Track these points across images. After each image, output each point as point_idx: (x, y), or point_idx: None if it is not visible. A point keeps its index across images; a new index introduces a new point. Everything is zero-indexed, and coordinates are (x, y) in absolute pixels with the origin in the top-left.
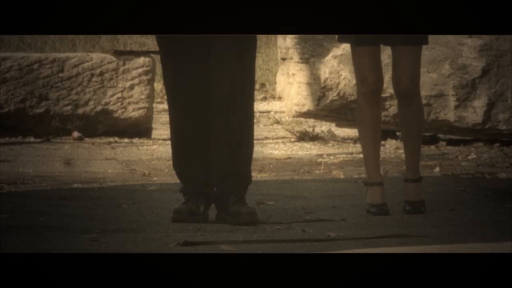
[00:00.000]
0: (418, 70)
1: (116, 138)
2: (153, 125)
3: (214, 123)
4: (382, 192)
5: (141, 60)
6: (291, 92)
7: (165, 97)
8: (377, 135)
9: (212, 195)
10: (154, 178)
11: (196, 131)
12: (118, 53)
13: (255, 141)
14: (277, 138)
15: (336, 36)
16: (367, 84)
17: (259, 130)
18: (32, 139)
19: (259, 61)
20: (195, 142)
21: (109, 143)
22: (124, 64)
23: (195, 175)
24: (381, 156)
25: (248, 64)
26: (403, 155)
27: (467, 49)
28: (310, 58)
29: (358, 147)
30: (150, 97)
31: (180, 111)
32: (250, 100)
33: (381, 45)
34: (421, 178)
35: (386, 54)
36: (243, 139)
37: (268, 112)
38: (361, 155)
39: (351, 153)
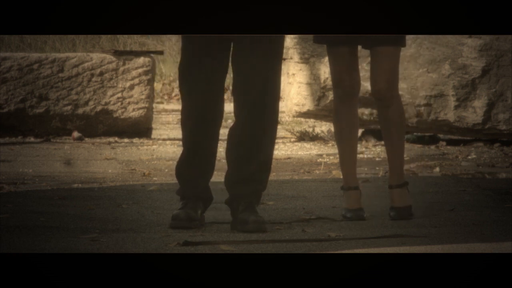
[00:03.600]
0: (396, 71)
1: (116, 138)
2: (153, 125)
3: (234, 127)
4: (359, 197)
5: (141, 60)
6: (291, 92)
7: (165, 97)
8: (354, 138)
9: (208, 199)
10: (154, 178)
11: (205, 136)
12: (118, 53)
13: None
14: (277, 138)
15: (312, 37)
16: (342, 87)
17: None
18: (32, 139)
19: None
20: (202, 147)
21: (109, 143)
22: (124, 64)
23: (196, 180)
24: (381, 156)
25: (274, 67)
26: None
27: (467, 49)
28: (310, 58)
29: (357, 147)
30: (150, 97)
31: (192, 113)
32: (276, 106)
33: (360, 48)
34: (406, 183)
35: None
36: (264, 145)
37: None
38: (361, 155)
39: None
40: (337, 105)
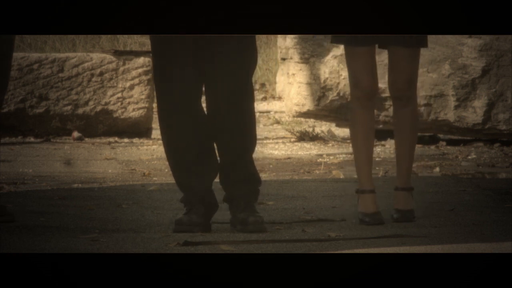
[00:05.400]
0: (415, 72)
1: (116, 138)
2: (153, 125)
3: (220, 127)
4: (375, 200)
5: (141, 60)
6: (291, 92)
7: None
8: (371, 140)
9: (214, 204)
10: (154, 178)
11: (193, 137)
12: (118, 53)
13: None
14: (277, 138)
15: (330, 37)
16: (360, 88)
17: (259, 130)
18: (32, 139)
19: (259, 61)
20: (192, 149)
21: (109, 143)
22: (124, 64)
23: (195, 184)
24: (381, 156)
25: (247, 63)
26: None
27: (467, 49)
28: (310, 58)
29: None
30: (150, 97)
31: (174, 117)
32: (252, 101)
33: (377, 47)
34: (412, 188)
35: (385, 55)
36: (250, 143)
37: (268, 112)
38: None
39: (351, 153)
40: (355, 106)
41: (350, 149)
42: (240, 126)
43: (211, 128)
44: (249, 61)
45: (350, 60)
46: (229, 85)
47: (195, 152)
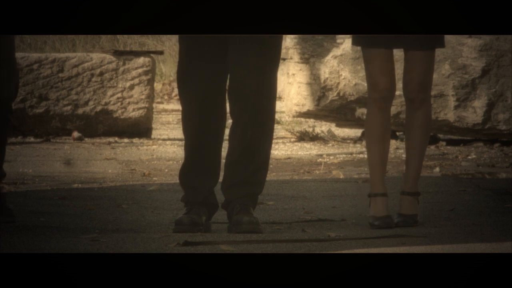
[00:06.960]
0: (430, 75)
1: (116, 138)
2: (153, 125)
3: (232, 130)
4: (386, 204)
5: (141, 60)
6: (291, 92)
7: (165, 97)
8: (386, 143)
9: (214, 204)
10: (154, 178)
11: (207, 140)
12: (118, 53)
13: None
14: (277, 138)
15: (351, 39)
16: (378, 90)
17: None
18: (32, 139)
19: None
20: (204, 151)
21: (109, 143)
22: (124, 64)
23: (200, 185)
24: None
25: (269, 68)
26: (403, 156)
27: (467, 49)
28: (310, 58)
29: (358, 147)
30: (150, 97)
31: (192, 117)
32: (272, 108)
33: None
34: (418, 193)
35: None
36: (261, 148)
37: None
38: (361, 155)
39: (351, 153)
40: (371, 108)
41: (350, 149)
42: (259, 128)
43: (232, 128)
44: (275, 60)
45: (368, 62)
46: (252, 84)
47: (204, 152)
